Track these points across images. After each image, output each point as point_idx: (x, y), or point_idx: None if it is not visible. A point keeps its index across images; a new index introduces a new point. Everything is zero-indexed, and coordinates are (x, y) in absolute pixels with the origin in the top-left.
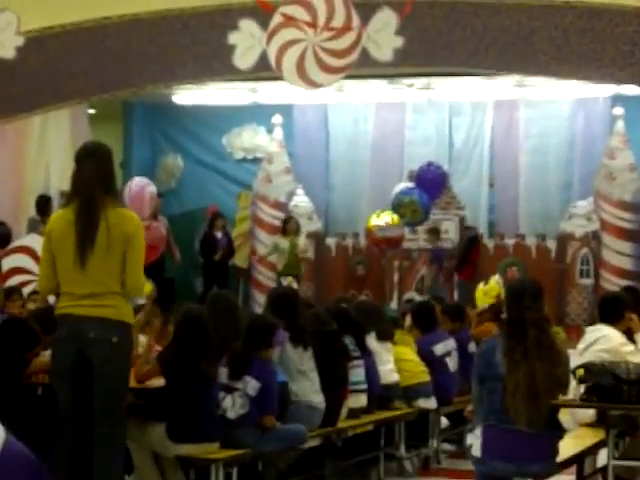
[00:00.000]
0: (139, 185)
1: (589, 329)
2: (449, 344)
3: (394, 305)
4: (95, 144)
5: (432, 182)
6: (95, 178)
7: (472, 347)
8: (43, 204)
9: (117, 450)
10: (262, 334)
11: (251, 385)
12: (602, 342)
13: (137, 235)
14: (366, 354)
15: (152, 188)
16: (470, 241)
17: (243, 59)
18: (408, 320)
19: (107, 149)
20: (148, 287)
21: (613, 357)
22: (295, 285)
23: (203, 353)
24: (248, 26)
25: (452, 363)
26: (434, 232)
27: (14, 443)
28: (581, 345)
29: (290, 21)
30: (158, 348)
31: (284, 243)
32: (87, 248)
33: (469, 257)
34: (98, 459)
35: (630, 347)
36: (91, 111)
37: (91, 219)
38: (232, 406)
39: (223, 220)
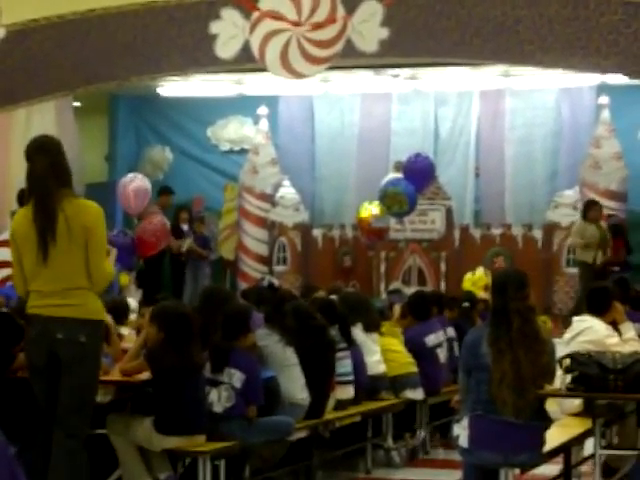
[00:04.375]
0: (135, 181)
1: (575, 319)
2: (441, 335)
3: (382, 296)
4: (44, 138)
5: (420, 173)
6: (48, 173)
7: None
8: (23, 198)
9: (78, 450)
10: (238, 322)
11: (237, 377)
12: (587, 333)
13: (97, 225)
14: (353, 345)
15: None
16: (614, 229)
17: (225, 48)
18: (396, 311)
19: (57, 141)
20: (112, 276)
21: (598, 349)
22: (275, 281)
23: (186, 341)
24: (231, 15)
25: (442, 354)
26: (200, 220)
27: None
28: (567, 335)
29: (272, 16)
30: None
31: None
32: (48, 243)
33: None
34: (57, 458)
35: (615, 339)
36: (76, 104)
37: (48, 214)
38: (218, 400)
39: (187, 212)
